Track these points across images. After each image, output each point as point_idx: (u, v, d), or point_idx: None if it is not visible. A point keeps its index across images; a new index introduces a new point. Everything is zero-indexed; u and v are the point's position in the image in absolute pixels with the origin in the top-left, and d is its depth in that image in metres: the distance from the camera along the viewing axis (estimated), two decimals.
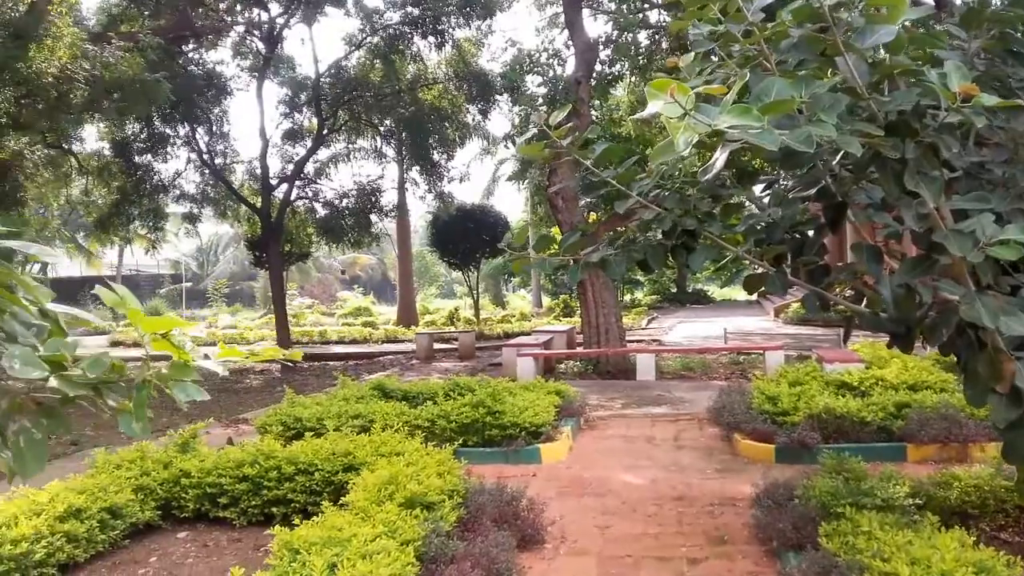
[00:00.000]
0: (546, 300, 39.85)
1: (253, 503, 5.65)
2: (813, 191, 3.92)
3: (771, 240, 4.66)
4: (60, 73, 11.19)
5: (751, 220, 4.72)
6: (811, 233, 4.69)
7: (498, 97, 19.79)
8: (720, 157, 2.99)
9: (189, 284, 50.88)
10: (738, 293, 56.26)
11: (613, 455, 7.95)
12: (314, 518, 4.45)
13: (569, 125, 4.80)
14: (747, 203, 4.96)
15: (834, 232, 3.98)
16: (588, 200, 19.11)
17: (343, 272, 55.07)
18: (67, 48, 11.15)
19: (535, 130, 4.55)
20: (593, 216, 15.53)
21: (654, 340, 20.35)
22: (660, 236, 4.77)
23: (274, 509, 5.64)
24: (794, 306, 25.58)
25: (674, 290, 42.13)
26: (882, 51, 3.47)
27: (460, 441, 7.79)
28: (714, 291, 48.56)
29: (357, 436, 6.07)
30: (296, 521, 5.60)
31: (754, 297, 46.43)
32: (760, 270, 4.67)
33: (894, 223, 3.88)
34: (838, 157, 3.72)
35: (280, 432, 8.13)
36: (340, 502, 4.81)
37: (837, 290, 4.79)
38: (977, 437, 7.14)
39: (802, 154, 3.20)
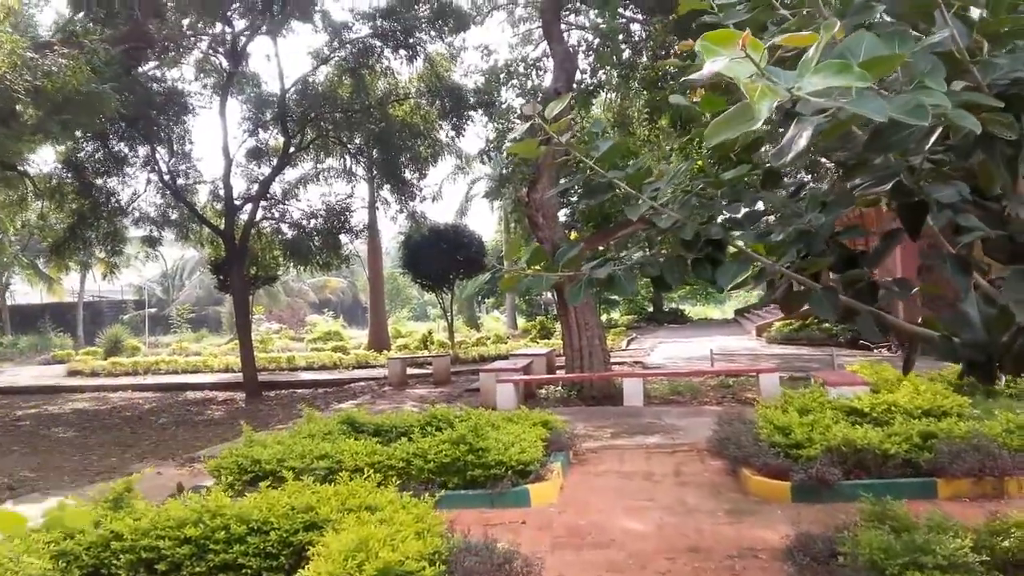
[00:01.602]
0: (521, 321, 39.06)
1: (197, 569, 4.77)
2: (886, 187, 3.15)
3: (811, 251, 3.89)
4: None
5: (785, 227, 3.95)
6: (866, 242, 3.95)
7: (472, 113, 19.07)
8: (803, 135, 2.24)
9: (154, 310, 49.42)
10: (713, 312, 55.92)
11: (610, 495, 7.14)
12: None
13: (568, 118, 4.03)
14: (774, 208, 4.21)
15: (914, 238, 3.21)
16: (568, 218, 18.46)
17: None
18: (5, 56, 10.24)
19: (528, 124, 3.79)
20: (574, 234, 14.82)
21: (636, 362, 19.63)
22: (680, 248, 3.98)
23: None
24: (776, 325, 25.02)
25: (650, 309, 41.55)
26: (977, 10, 2.77)
27: (440, 487, 6.95)
28: (690, 310, 48.14)
29: (320, 488, 5.21)
30: None
31: (731, 316, 46.09)
32: (785, 286, 3.91)
33: (980, 226, 3.16)
34: (933, 139, 2.96)
35: (236, 476, 7.24)
36: (298, 575, 3.96)
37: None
38: (1014, 471, 6.45)
39: (901, 133, 2.46)
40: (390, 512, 4.72)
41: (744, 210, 4.01)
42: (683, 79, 3.61)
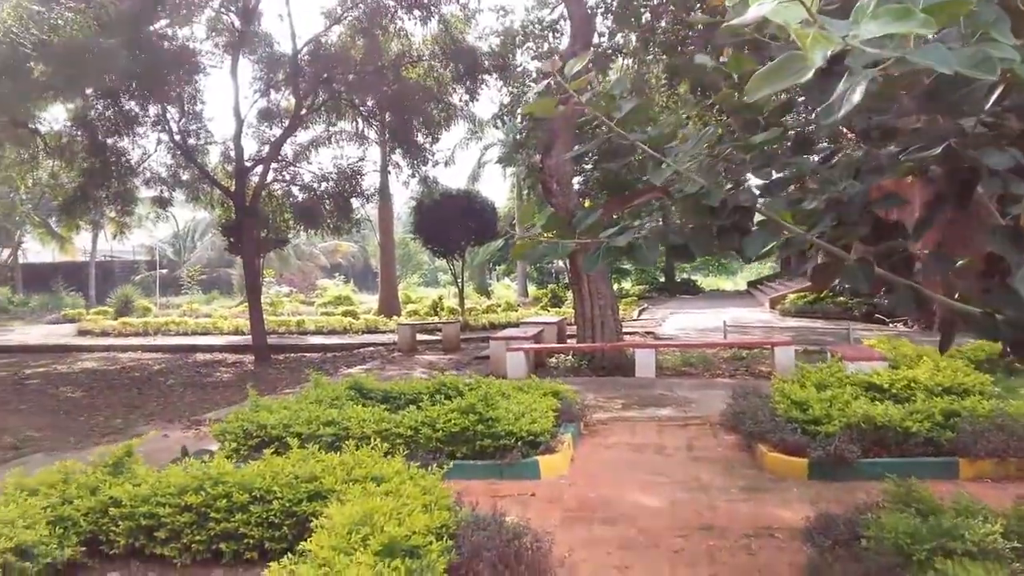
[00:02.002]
0: (532, 289, 38.88)
1: (198, 538, 4.65)
2: (934, 152, 2.93)
3: (844, 221, 3.66)
4: (4, 38, 10.06)
5: (818, 196, 3.72)
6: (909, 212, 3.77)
7: (486, 76, 18.74)
8: (856, 89, 2.02)
9: (165, 271, 49.46)
10: (725, 283, 55.57)
11: (621, 468, 6.99)
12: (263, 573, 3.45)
13: (589, 75, 3.81)
14: (805, 175, 3.98)
15: (962, 208, 3.00)
16: (582, 185, 18.17)
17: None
18: (12, 9, 10.02)
19: (547, 82, 3.57)
20: (588, 202, 14.56)
21: (648, 332, 19.44)
22: (706, 215, 3.77)
23: (223, 545, 4.64)
24: (790, 297, 24.75)
25: (662, 280, 41.26)
26: None
27: (448, 457, 6.82)
28: (702, 281, 47.84)
29: (325, 456, 5.07)
30: (250, 557, 4.64)
31: (743, 287, 45.75)
32: (815, 257, 3.71)
33: None
34: (993, 98, 2.73)
35: (241, 441, 7.13)
36: (300, 548, 3.81)
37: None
38: None
39: (961, 90, 2.24)
40: (397, 483, 4.57)
41: (774, 176, 3.80)
42: (720, 29, 3.36)
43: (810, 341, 15.40)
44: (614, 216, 4.40)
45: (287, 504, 4.61)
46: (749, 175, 3.85)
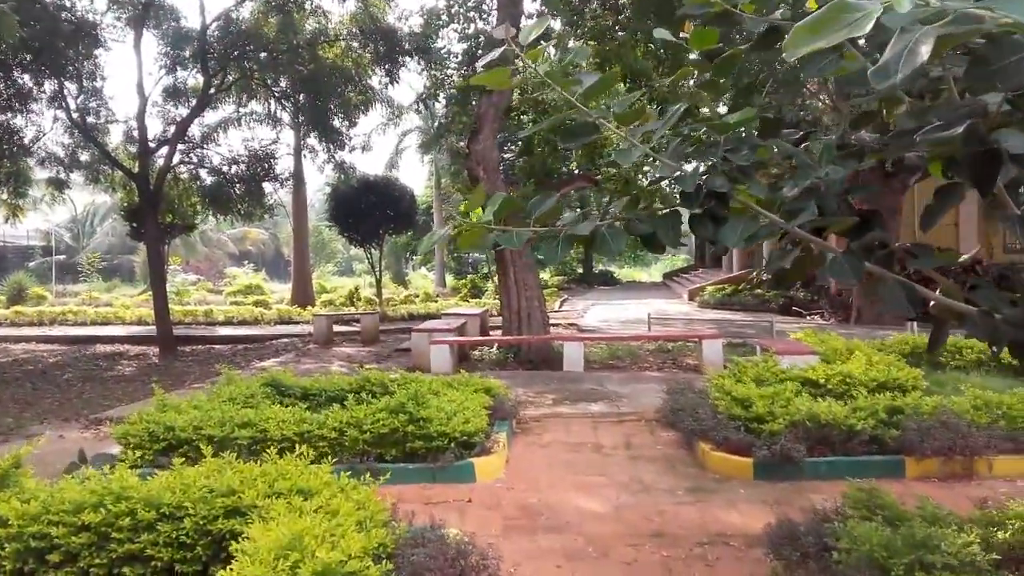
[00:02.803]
0: (450, 279, 38.37)
1: (97, 561, 4.07)
2: (955, 133, 2.62)
3: (825, 209, 3.36)
4: None
5: (799, 181, 3.40)
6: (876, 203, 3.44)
7: (407, 59, 18.11)
8: (920, 46, 1.67)
9: (63, 257, 47.01)
10: (640, 274, 56.12)
11: (559, 469, 6.64)
12: None
13: (543, 45, 3.41)
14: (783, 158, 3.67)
15: (984, 195, 2.70)
16: (504, 173, 17.76)
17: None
18: None
19: (498, 51, 3.17)
20: (512, 192, 14.18)
21: (571, 324, 19.23)
22: (676, 202, 3.42)
23: (127, 569, 4.06)
24: (709, 289, 24.95)
25: (580, 271, 41.29)
26: None
27: (376, 460, 6.36)
28: (618, 272, 48.14)
29: (244, 466, 4.54)
30: None
31: (658, 279, 46.23)
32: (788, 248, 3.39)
33: None
34: None
35: (146, 445, 6.50)
36: (215, 573, 3.31)
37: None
38: (984, 450, 6.16)
39: (1010, 59, 1.92)
40: (327, 497, 4.09)
41: (748, 160, 3.46)
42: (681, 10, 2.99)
43: (731, 334, 15.40)
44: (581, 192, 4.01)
45: (201, 522, 4.08)
46: (717, 159, 3.50)
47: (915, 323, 12.88)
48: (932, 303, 3.14)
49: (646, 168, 16.24)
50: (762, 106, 3.61)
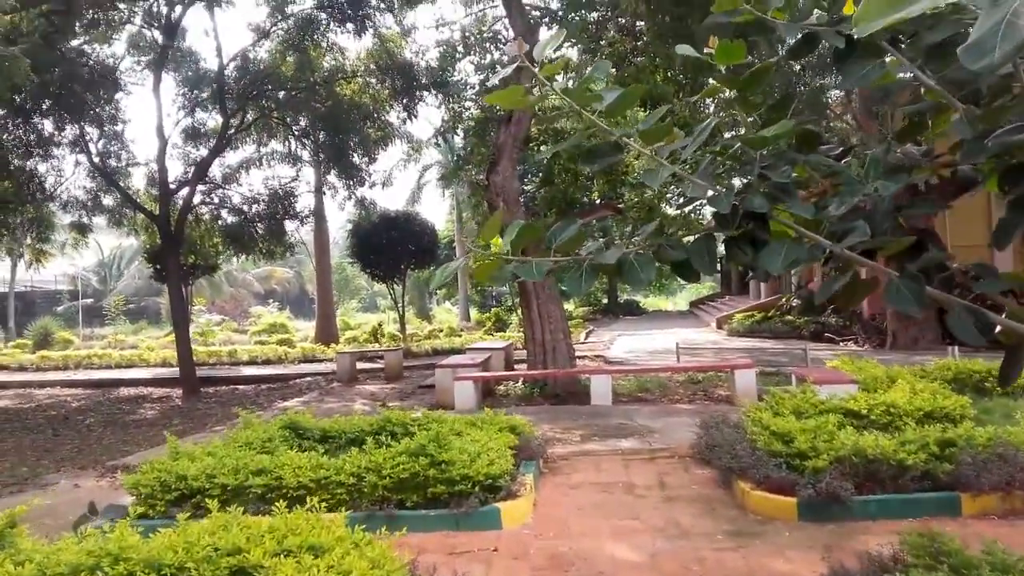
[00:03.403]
0: (474, 313, 38.11)
1: None
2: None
3: (876, 229, 3.02)
4: None
5: (845, 199, 3.07)
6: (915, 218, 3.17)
7: (424, 93, 18.02)
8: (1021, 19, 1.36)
9: (90, 301, 47.39)
10: (665, 303, 55.61)
11: (590, 513, 6.28)
12: None
13: (559, 59, 3.09)
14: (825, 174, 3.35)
15: None
16: (526, 204, 17.55)
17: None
18: None
19: (512, 68, 2.90)
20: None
21: (597, 356, 18.86)
22: (703, 228, 3.09)
23: None
24: (737, 317, 24.48)
25: (605, 301, 40.90)
26: None
27: (396, 507, 6.05)
28: (644, 301, 47.69)
29: (251, 521, 4.24)
30: None
31: (684, 307, 45.71)
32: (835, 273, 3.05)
33: None
34: None
35: (157, 495, 6.23)
36: None
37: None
38: None
39: None
40: (339, 555, 3.78)
41: (788, 177, 3.14)
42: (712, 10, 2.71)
43: (764, 362, 14.96)
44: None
45: None
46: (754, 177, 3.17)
47: (956, 348, 12.39)
48: (999, 329, 2.78)
49: (670, 196, 15.95)
50: (799, 120, 3.30)
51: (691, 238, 3.06)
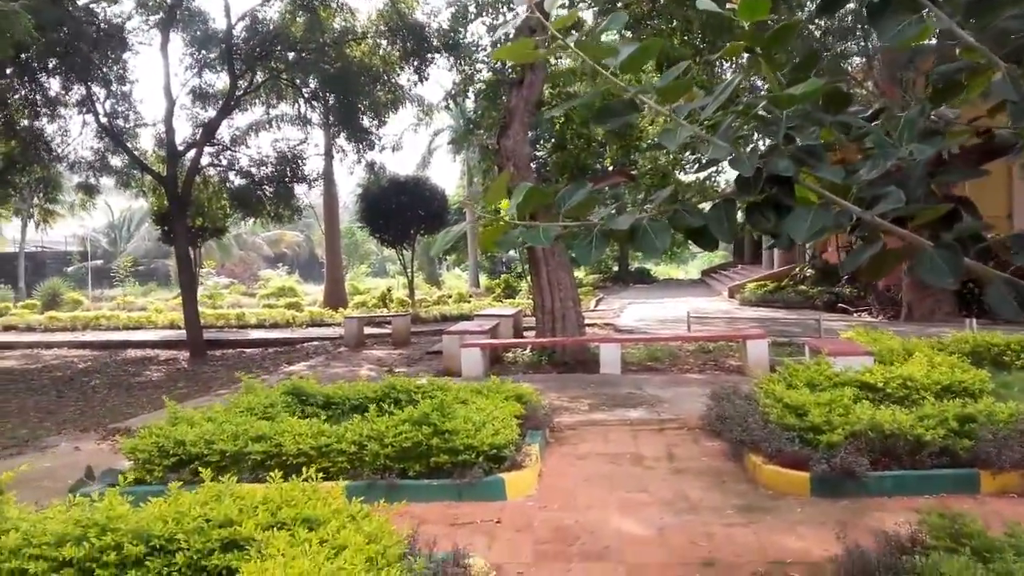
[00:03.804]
0: (484, 279, 37.95)
1: None
2: None
3: (909, 196, 2.81)
4: None
5: (878, 164, 2.85)
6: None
7: (435, 55, 17.68)
8: None
9: (100, 262, 47.45)
10: (677, 271, 55.25)
11: (597, 485, 6.14)
12: None
13: (571, 12, 2.93)
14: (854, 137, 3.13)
15: None
16: (536, 170, 17.28)
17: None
18: None
19: (521, 17, 2.71)
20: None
21: (607, 324, 18.68)
22: (717, 195, 2.91)
23: None
24: (750, 286, 24.23)
25: (615, 268, 40.64)
26: None
27: (399, 476, 5.92)
28: (655, 270, 47.40)
29: (245, 490, 4.10)
30: None
31: (695, 276, 45.41)
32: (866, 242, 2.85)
33: None
34: None
35: (155, 460, 6.12)
36: None
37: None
38: None
39: None
40: (335, 527, 3.63)
41: (817, 138, 2.95)
42: None
43: (777, 332, 14.76)
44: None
45: (195, 556, 3.65)
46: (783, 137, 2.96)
47: (973, 320, 12.15)
48: None
49: (685, 162, 15.63)
50: (829, 78, 3.05)
51: (708, 204, 2.86)
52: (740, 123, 2.90)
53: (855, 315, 18.48)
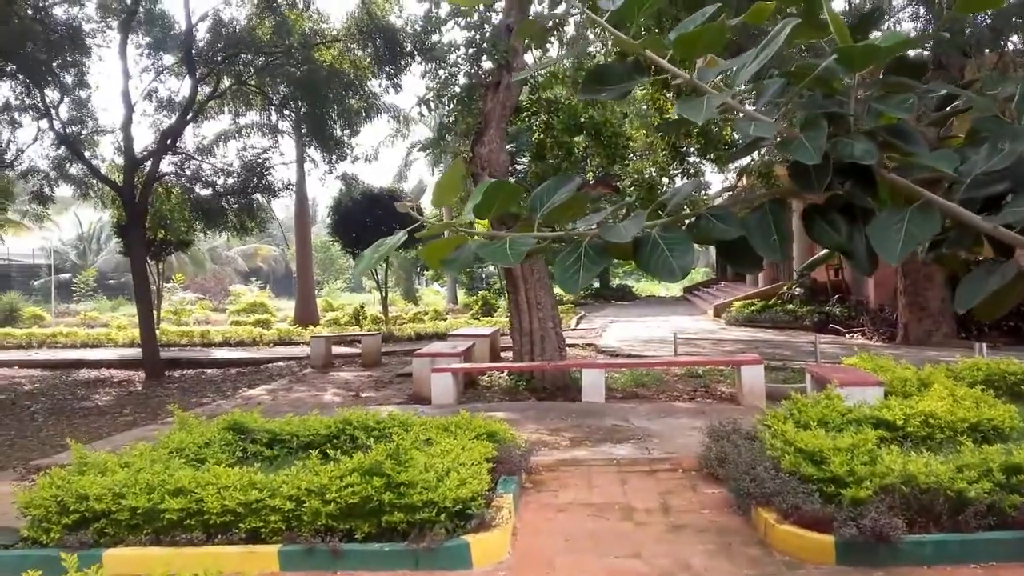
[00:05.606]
0: (462, 296, 36.95)
1: None
2: None
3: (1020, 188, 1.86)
4: None
5: (995, 150, 1.89)
6: None
7: (409, 60, 16.76)
8: None
9: (68, 275, 45.98)
10: (658, 288, 54.39)
11: (581, 547, 5.18)
12: None
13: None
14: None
15: None
16: (518, 180, 16.39)
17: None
18: None
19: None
20: None
21: (589, 344, 17.77)
22: (795, 184, 1.92)
23: None
24: (736, 305, 23.40)
25: (596, 285, 39.77)
26: None
27: (343, 538, 4.92)
28: (635, 286, 46.62)
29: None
30: None
31: (678, 293, 44.60)
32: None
33: None
34: None
35: (53, 519, 5.11)
36: None
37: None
38: None
39: None
40: None
41: (911, 109, 1.97)
42: None
43: (769, 355, 13.88)
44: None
45: None
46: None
47: (983, 345, 11.31)
48: None
49: (674, 173, 14.74)
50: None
51: (755, 206, 1.91)
52: (790, 91, 1.93)
53: (847, 336, 17.67)
